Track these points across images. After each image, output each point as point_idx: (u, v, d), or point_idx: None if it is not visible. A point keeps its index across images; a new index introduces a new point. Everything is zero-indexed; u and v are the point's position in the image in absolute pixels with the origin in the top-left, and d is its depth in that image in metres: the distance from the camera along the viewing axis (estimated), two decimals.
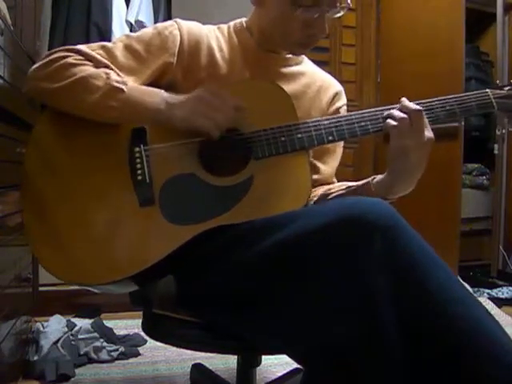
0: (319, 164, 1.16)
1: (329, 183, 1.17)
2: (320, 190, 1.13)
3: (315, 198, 1.11)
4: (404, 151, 0.94)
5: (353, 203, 0.78)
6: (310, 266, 0.76)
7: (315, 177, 1.15)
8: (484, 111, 1.02)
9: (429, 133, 0.95)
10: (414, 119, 0.94)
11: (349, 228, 0.74)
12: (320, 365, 0.75)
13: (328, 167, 1.17)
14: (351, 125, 0.99)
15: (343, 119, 1.00)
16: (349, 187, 1.08)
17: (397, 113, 0.95)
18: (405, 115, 0.94)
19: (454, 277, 0.74)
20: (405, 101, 0.97)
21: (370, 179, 1.04)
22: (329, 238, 0.75)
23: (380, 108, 1.00)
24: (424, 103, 0.99)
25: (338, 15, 1.05)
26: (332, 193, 1.10)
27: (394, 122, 0.95)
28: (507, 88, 1.02)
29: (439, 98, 1.00)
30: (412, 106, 0.95)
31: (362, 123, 0.99)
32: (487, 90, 1.02)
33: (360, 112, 1.01)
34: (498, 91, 1.02)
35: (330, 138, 1.00)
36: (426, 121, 0.95)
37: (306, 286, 0.76)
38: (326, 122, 1.00)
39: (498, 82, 3.09)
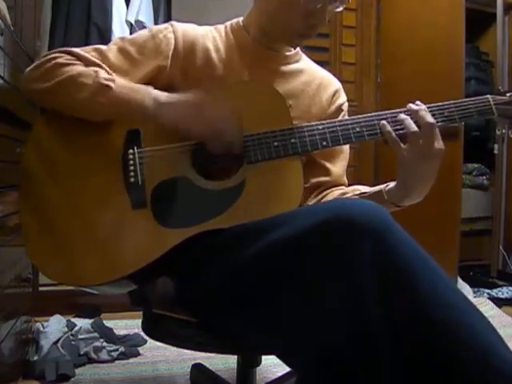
0: (328, 165, 1.15)
1: (340, 184, 1.17)
2: (334, 193, 1.13)
3: None
4: (412, 163, 0.94)
5: (343, 205, 0.78)
6: (301, 267, 0.75)
7: (326, 178, 1.15)
8: (484, 117, 1.00)
9: (439, 144, 0.94)
10: (426, 133, 0.93)
11: (338, 230, 0.73)
12: (314, 364, 0.74)
13: (337, 168, 1.17)
14: (346, 130, 0.99)
15: (338, 124, 0.99)
16: (362, 193, 1.08)
17: (408, 123, 0.94)
18: (417, 129, 0.94)
19: (449, 281, 0.73)
20: (420, 111, 0.95)
21: (383, 186, 1.04)
22: (318, 240, 0.74)
23: (375, 114, 0.99)
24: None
25: (339, 10, 1.05)
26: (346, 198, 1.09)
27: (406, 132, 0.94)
28: (509, 94, 1.00)
29: (438, 104, 0.99)
30: (428, 119, 0.94)
31: (357, 129, 0.98)
32: (488, 96, 1.00)
33: (355, 117, 1.00)
34: (499, 97, 1.00)
35: (324, 143, 0.99)
36: (438, 132, 0.94)
37: (297, 286, 0.75)
38: (320, 127, 0.99)
39: (500, 87, 3.09)
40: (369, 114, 1.00)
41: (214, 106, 0.98)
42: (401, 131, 0.96)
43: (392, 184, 1.02)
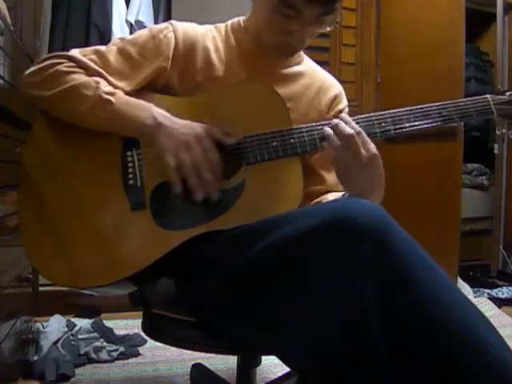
0: (323, 172, 1.14)
1: (334, 191, 1.15)
2: (318, 199, 1.12)
3: None
4: (348, 173, 0.94)
5: (342, 205, 0.78)
6: (301, 267, 0.75)
7: (320, 187, 1.14)
8: (483, 117, 1.00)
9: (367, 151, 0.93)
10: (349, 144, 0.93)
11: (337, 231, 0.73)
12: (313, 365, 0.74)
13: (333, 177, 1.15)
14: None
15: None
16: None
17: (332, 137, 0.94)
18: (338, 141, 0.93)
19: (449, 281, 0.73)
20: (339, 124, 0.94)
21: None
22: (317, 241, 0.74)
23: (374, 114, 0.99)
24: (421, 108, 0.99)
25: (328, 30, 1.04)
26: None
27: (329, 145, 0.95)
28: (508, 93, 1.00)
29: (437, 104, 0.99)
30: (346, 131, 0.93)
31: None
32: (487, 96, 1.00)
33: (354, 118, 0.99)
34: (498, 97, 1.00)
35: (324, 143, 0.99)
36: (365, 139, 0.93)
37: (297, 287, 0.75)
38: (319, 127, 0.99)
39: (499, 87, 3.09)
40: (367, 114, 1.00)
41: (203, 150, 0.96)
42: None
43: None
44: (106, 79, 1.01)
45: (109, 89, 0.99)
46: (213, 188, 0.95)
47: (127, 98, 1.00)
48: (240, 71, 1.09)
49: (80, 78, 0.99)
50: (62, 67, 1.00)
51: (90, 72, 1.01)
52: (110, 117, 0.97)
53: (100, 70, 1.02)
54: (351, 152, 0.93)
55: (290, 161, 0.98)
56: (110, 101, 0.97)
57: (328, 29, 1.03)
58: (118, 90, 1.00)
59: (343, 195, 1.05)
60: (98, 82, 0.98)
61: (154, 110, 0.98)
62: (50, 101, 1.00)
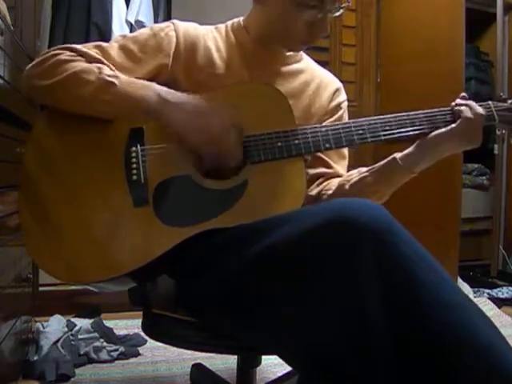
0: (330, 160, 1.15)
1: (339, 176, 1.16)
2: (336, 181, 1.12)
3: (330, 192, 1.10)
4: (461, 144, 1.04)
5: (344, 205, 0.78)
6: (301, 269, 0.75)
7: (327, 170, 1.14)
8: (485, 123, 1.03)
9: (480, 133, 1.01)
10: (478, 120, 1.00)
11: (339, 230, 0.73)
12: (312, 369, 0.74)
13: (338, 165, 1.17)
14: (349, 133, 1.00)
15: (341, 127, 1.01)
16: (371, 169, 1.08)
17: (468, 112, 1.01)
18: (472, 116, 1.00)
19: (451, 281, 0.73)
20: (472, 104, 1.01)
21: (395, 155, 1.06)
22: (319, 241, 0.74)
23: (378, 117, 1.02)
24: (425, 113, 1.02)
25: (338, 14, 1.05)
26: (351, 179, 1.09)
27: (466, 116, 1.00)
28: (510, 101, 1.03)
29: (443, 108, 1.02)
30: (479, 109, 1.01)
31: (360, 131, 1.00)
32: (489, 103, 1.03)
33: (358, 120, 1.01)
34: (500, 104, 1.03)
35: (327, 145, 1.00)
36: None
37: (299, 286, 0.75)
38: (323, 129, 1.00)
39: (501, 94, 3.09)
40: (372, 118, 1.02)
41: (216, 117, 0.97)
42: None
43: (406, 151, 1.05)
44: (108, 66, 1.00)
45: (111, 72, 0.98)
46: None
47: (130, 79, 0.99)
48: (241, 69, 1.10)
49: (81, 64, 0.99)
50: (62, 56, 1.00)
51: (90, 59, 1.00)
52: (113, 99, 0.96)
53: (100, 57, 1.02)
54: (475, 127, 1.01)
55: (293, 161, 0.99)
56: (112, 83, 0.96)
57: (341, 11, 1.05)
58: (119, 73, 0.99)
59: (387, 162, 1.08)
60: (99, 67, 0.98)
61: (157, 88, 0.98)
62: (52, 89, 0.99)
